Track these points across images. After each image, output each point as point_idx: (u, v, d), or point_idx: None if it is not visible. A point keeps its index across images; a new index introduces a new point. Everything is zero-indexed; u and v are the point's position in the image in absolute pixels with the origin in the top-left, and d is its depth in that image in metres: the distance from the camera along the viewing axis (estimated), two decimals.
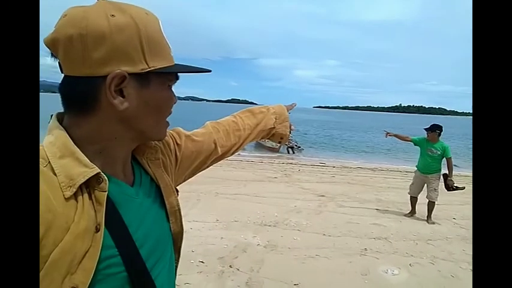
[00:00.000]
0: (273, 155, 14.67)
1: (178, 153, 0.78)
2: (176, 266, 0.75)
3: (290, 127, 1.03)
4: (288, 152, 15.94)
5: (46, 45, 0.54)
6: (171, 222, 0.71)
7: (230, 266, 3.38)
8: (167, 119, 0.66)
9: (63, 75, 0.55)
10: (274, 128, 1.00)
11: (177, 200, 0.72)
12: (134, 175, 0.66)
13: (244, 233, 4.34)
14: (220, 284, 3.04)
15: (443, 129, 5.26)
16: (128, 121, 0.58)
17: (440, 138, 5.26)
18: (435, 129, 5.19)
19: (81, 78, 0.53)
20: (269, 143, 16.64)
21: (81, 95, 0.54)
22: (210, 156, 0.86)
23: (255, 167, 10.25)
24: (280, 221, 4.94)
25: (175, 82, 0.63)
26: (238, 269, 3.33)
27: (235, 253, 3.72)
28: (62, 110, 0.59)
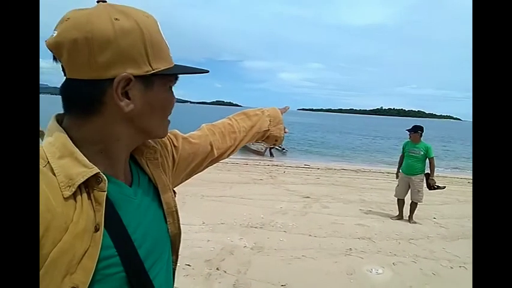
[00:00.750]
0: (258, 157, 14.69)
1: (175, 155, 0.79)
2: (174, 268, 0.75)
3: (284, 129, 1.05)
4: (271, 155, 15.91)
5: (49, 48, 0.54)
6: (168, 223, 0.71)
7: (217, 269, 3.37)
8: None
9: (64, 77, 0.56)
10: (268, 130, 1.01)
11: (175, 201, 0.72)
12: (132, 175, 0.66)
13: (231, 235, 4.34)
14: (208, 286, 3.03)
15: (424, 129, 5.43)
16: (132, 122, 0.59)
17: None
18: (417, 130, 5.36)
19: (86, 81, 0.53)
20: (254, 146, 16.60)
21: (85, 98, 0.54)
22: (206, 158, 0.87)
23: (240, 169, 10.23)
24: (266, 222, 4.96)
25: (175, 83, 0.65)
26: (225, 271, 3.33)
27: (222, 255, 3.71)
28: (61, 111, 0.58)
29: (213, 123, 0.94)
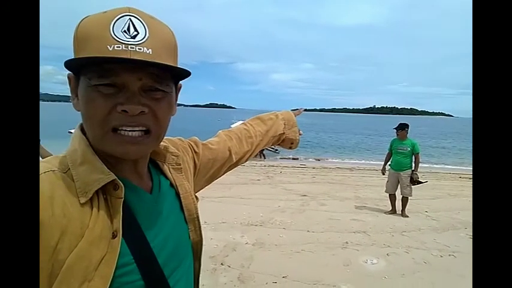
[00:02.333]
0: (255, 159, 14.85)
1: (196, 161, 0.79)
2: (198, 276, 0.73)
3: (299, 131, 1.05)
4: (262, 156, 15.66)
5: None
6: (189, 230, 0.69)
7: (222, 264, 3.57)
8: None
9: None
10: (284, 133, 1.02)
11: (196, 208, 0.71)
12: (153, 181, 0.65)
13: (233, 233, 4.53)
14: (214, 280, 3.22)
15: (409, 126, 5.74)
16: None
17: (412, 136, 5.74)
18: (404, 128, 5.68)
19: None
20: None
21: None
22: (225, 164, 0.88)
23: (238, 170, 10.40)
24: (265, 220, 5.16)
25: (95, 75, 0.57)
26: (229, 266, 3.52)
27: (225, 252, 3.90)
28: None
29: (229, 129, 0.96)
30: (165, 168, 0.69)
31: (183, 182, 0.70)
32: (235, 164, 0.92)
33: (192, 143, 0.81)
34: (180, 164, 0.72)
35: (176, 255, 0.63)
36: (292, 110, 1.10)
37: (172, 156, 0.71)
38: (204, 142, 0.85)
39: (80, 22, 0.52)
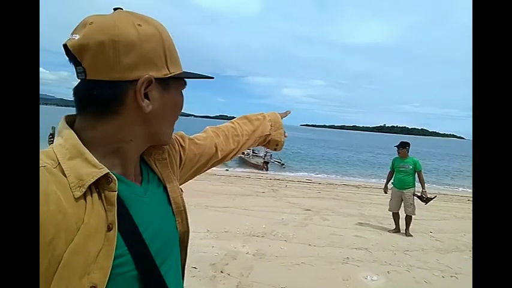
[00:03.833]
0: (262, 172, 14.88)
1: (182, 155, 0.80)
2: (184, 264, 0.76)
3: (284, 134, 1.06)
4: (264, 169, 15.76)
5: (72, 50, 0.54)
6: (177, 222, 0.71)
7: (221, 272, 3.60)
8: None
9: (79, 79, 0.57)
10: (270, 134, 1.03)
11: (183, 200, 0.73)
12: (142, 175, 0.67)
13: (234, 243, 4.56)
14: (213, 287, 3.26)
15: (410, 145, 5.79)
16: (147, 123, 0.61)
17: (421, 157, 5.76)
18: (405, 146, 5.71)
19: (108, 82, 0.55)
20: (254, 160, 16.68)
21: (107, 98, 0.55)
22: (211, 160, 0.89)
23: (243, 182, 10.48)
24: (268, 232, 5.18)
25: (184, 87, 0.68)
26: (229, 274, 3.55)
27: (225, 260, 3.93)
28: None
29: (217, 126, 0.96)
30: (151, 162, 0.71)
31: (170, 176, 0.72)
32: (220, 161, 0.93)
33: (178, 137, 0.82)
34: (165, 159, 0.73)
35: (166, 245, 0.65)
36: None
37: (158, 151, 0.72)
38: (190, 137, 0.86)
39: (160, 32, 0.60)
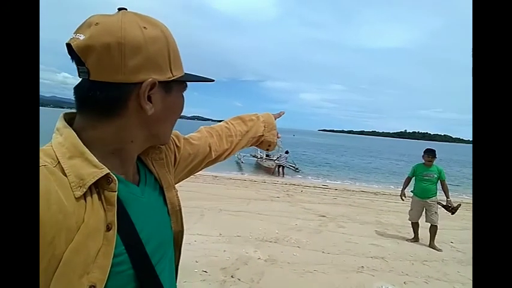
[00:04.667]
0: (278, 177, 14.77)
1: (177, 155, 0.81)
2: (177, 265, 0.76)
3: (277, 135, 1.07)
4: (278, 173, 15.58)
5: (77, 50, 0.53)
6: (172, 221, 0.72)
7: (232, 276, 3.56)
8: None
9: (81, 79, 0.57)
10: (263, 135, 1.04)
11: (179, 200, 0.74)
12: (139, 175, 0.68)
13: (246, 247, 4.52)
14: None
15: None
16: (149, 125, 0.61)
17: (444, 164, 5.50)
18: (435, 155, 5.41)
19: (112, 84, 0.55)
20: (266, 164, 16.61)
21: (110, 100, 0.55)
22: (205, 159, 0.89)
23: (258, 186, 10.43)
24: (281, 237, 5.10)
25: (185, 89, 0.68)
26: (239, 279, 3.51)
27: (236, 265, 3.89)
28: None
29: (211, 126, 0.97)
30: (148, 162, 0.71)
31: (166, 176, 0.73)
32: (214, 161, 0.93)
33: (173, 137, 0.82)
34: (162, 159, 0.74)
35: (162, 245, 0.66)
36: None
37: (155, 151, 0.73)
38: (185, 137, 0.87)
39: (166, 35, 0.60)
